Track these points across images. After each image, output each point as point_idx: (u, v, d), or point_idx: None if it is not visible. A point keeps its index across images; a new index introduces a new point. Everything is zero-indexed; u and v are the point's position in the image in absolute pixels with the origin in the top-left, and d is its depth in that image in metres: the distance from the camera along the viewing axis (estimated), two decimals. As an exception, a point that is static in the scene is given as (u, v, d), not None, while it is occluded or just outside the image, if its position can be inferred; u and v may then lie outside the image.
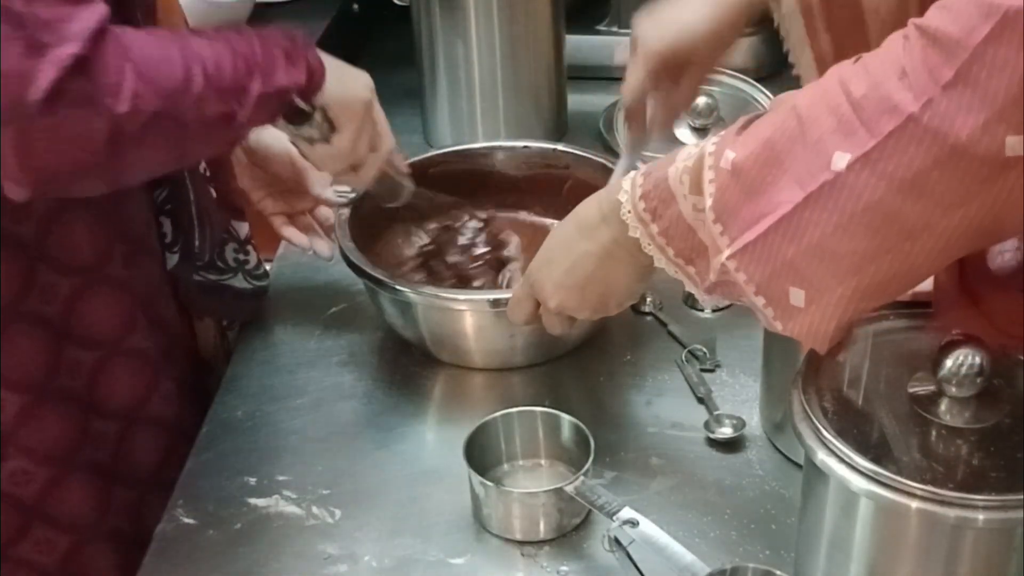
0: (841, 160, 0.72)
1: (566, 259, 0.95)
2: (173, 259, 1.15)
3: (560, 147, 1.33)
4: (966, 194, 0.69)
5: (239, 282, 1.23)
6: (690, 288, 0.88)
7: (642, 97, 1.08)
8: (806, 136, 0.75)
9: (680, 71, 1.07)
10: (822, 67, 1.00)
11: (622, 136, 1.16)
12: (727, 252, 0.80)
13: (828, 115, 0.74)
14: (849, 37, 0.99)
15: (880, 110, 0.70)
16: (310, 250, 1.26)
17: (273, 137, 1.19)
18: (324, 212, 1.27)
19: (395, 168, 1.16)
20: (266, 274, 1.28)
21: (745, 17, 1.05)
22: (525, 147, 1.32)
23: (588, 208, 0.94)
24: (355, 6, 1.88)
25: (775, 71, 1.59)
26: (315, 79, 0.98)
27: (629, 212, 0.88)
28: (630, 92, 1.08)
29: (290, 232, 1.26)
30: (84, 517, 1.09)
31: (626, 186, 0.88)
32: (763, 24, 1.66)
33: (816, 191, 0.74)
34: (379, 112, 1.08)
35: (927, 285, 0.93)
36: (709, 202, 0.81)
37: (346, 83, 1.01)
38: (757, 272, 0.79)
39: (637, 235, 0.87)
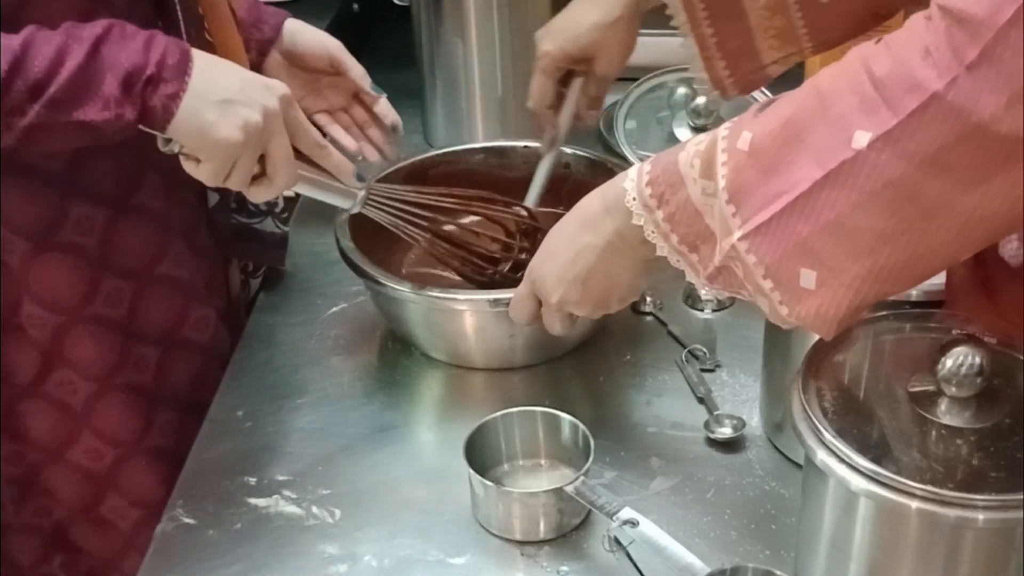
0: (862, 138, 0.72)
1: (568, 252, 0.95)
2: (214, 197, 1.20)
3: (560, 147, 1.32)
4: (987, 172, 0.69)
5: (268, 226, 1.28)
6: (690, 278, 0.88)
7: (545, 101, 1.18)
8: (827, 114, 0.75)
9: (586, 68, 1.16)
10: (705, 54, 1.05)
11: (542, 143, 1.25)
12: (738, 233, 0.80)
13: (850, 94, 0.74)
14: (730, 25, 1.05)
15: (903, 88, 0.71)
16: (360, 156, 1.35)
17: (310, 34, 1.28)
18: (359, 113, 1.35)
19: (329, 177, 1.09)
20: (288, 219, 1.32)
21: (636, 16, 1.12)
22: (525, 147, 1.32)
23: (590, 201, 0.94)
24: (355, 6, 1.88)
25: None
26: (155, 116, 0.96)
27: (634, 199, 0.88)
28: (532, 97, 1.18)
29: (339, 133, 1.35)
30: (127, 434, 1.19)
31: (632, 174, 0.89)
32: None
33: (835, 169, 0.74)
34: (278, 145, 1.01)
35: (933, 284, 0.94)
36: (722, 183, 0.81)
37: (207, 121, 0.97)
38: (768, 253, 0.79)
39: (641, 223, 0.87)
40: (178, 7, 1.11)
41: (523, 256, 1.19)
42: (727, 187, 0.80)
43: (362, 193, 1.11)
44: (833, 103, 0.75)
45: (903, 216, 0.73)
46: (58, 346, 1.14)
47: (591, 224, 0.93)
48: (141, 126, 0.97)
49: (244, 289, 1.35)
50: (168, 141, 0.98)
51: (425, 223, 1.16)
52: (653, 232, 0.87)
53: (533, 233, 1.21)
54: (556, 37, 1.15)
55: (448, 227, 1.20)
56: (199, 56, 0.99)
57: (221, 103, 0.98)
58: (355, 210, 1.12)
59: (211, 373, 1.22)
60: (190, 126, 0.97)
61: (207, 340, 1.24)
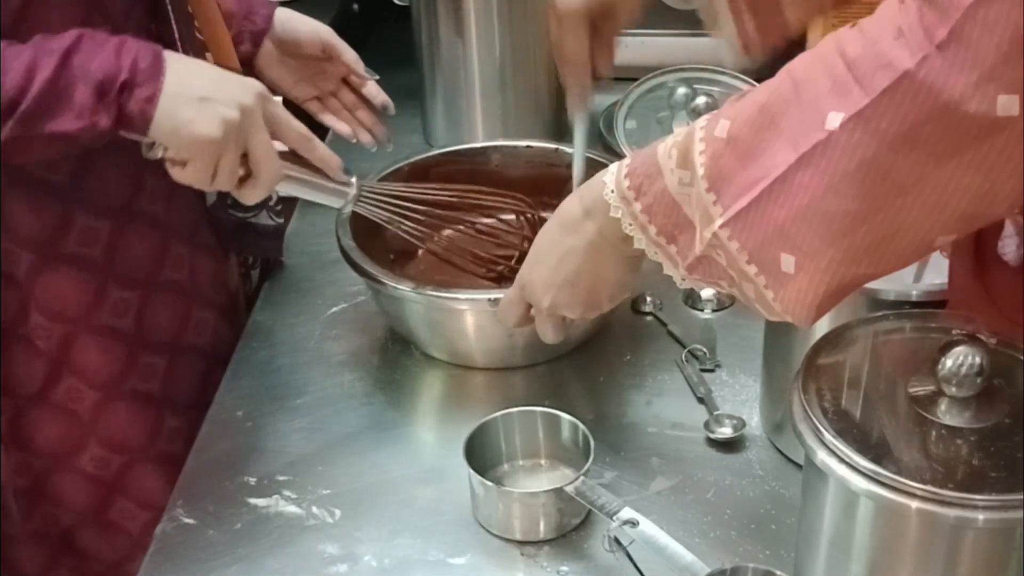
0: (835, 119, 0.72)
1: (553, 257, 0.95)
2: (212, 195, 1.21)
3: (560, 147, 1.33)
4: (959, 146, 0.69)
5: (263, 219, 1.29)
6: (668, 270, 0.88)
7: (584, 54, 1.10)
8: (801, 98, 0.75)
9: (605, 21, 1.09)
10: (734, 6, 1.02)
11: (575, 121, 1.18)
12: (720, 221, 0.80)
13: (823, 76, 0.74)
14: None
15: (875, 67, 0.71)
16: (354, 139, 1.36)
17: (301, 22, 1.30)
18: (347, 97, 1.36)
19: (318, 175, 1.09)
20: (282, 211, 1.33)
21: None
22: (526, 147, 1.32)
23: (570, 205, 0.94)
24: (355, 6, 1.88)
25: (775, 71, 1.59)
26: (133, 121, 0.96)
27: (612, 192, 0.88)
28: (568, 52, 1.10)
29: (331, 120, 1.36)
30: (135, 440, 1.20)
31: (612, 169, 0.89)
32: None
33: (809, 152, 0.74)
34: (258, 142, 1.01)
35: (933, 284, 0.94)
36: (700, 171, 0.81)
37: (184, 119, 0.97)
38: (750, 239, 0.79)
39: (618, 215, 0.87)
40: (169, 7, 1.11)
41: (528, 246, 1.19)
42: (706, 175, 0.81)
43: (353, 191, 1.10)
44: (807, 87, 0.75)
45: (876, 194, 0.73)
46: (65, 356, 1.14)
47: (572, 227, 0.93)
48: (123, 132, 0.97)
49: (244, 283, 1.36)
50: (151, 147, 0.98)
51: (423, 218, 1.15)
52: (631, 224, 0.87)
53: (536, 223, 1.20)
54: None
55: (449, 226, 1.18)
56: (172, 57, 0.99)
57: (197, 100, 0.98)
58: (348, 209, 1.12)
59: (216, 375, 1.22)
60: (168, 126, 0.97)
61: (211, 343, 1.24)
